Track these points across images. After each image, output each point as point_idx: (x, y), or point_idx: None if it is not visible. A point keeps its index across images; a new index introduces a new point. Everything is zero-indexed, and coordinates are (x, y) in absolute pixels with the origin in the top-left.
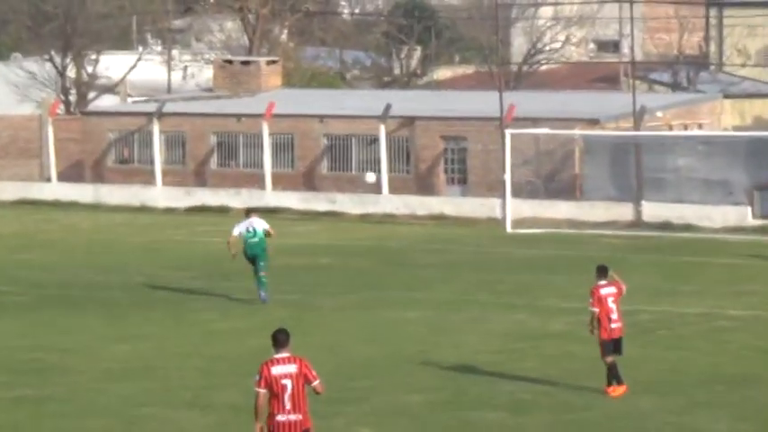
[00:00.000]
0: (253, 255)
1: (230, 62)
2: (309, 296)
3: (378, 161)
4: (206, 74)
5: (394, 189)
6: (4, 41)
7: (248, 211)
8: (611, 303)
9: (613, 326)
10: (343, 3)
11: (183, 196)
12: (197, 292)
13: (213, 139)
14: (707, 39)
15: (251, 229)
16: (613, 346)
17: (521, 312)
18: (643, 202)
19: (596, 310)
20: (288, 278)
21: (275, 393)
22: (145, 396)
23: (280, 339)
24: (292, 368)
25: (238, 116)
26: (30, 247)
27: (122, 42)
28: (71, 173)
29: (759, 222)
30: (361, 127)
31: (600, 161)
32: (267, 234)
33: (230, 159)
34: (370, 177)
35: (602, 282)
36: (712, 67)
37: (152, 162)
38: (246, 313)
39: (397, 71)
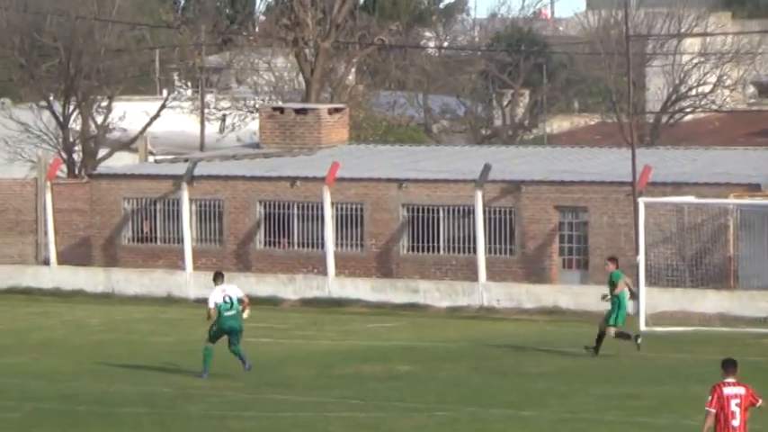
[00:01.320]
0: (230, 328)
1: (281, 110)
2: (386, 413)
3: (472, 238)
4: (250, 125)
5: (494, 275)
6: None
7: (217, 276)
8: (734, 407)
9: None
10: (428, 34)
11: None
12: (240, 407)
13: (259, 210)
14: None
15: (227, 300)
16: None
17: None
18: None
19: (713, 410)
20: (357, 390)
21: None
22: None
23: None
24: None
25: (292, 180)
26: (22, 349)
27: (142, 85)
28: (76, 253)
29: None
30: (452, 195)
31: (761, 239)
32: (241, 303)
33: (281, 236)
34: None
35: (729, 380)
36: None
37: (180, 240)
38: None
39: (498, 122)
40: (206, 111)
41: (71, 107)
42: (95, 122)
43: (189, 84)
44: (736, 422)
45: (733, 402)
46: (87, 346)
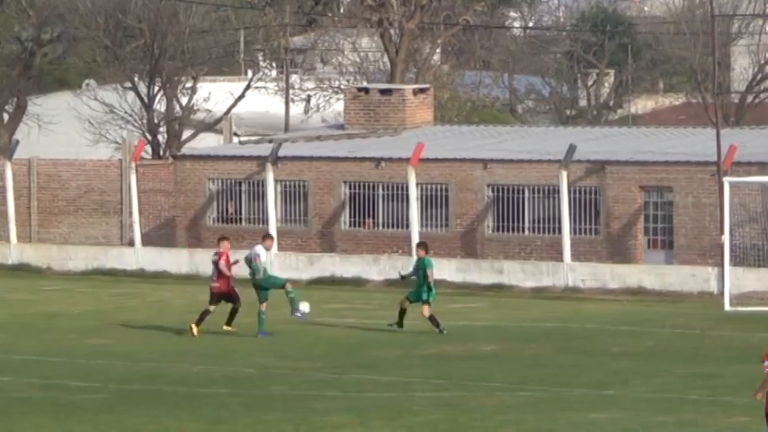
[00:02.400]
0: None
1: (366, 91)
2: (469, 393)
3: (557, 218)
4: (335, 106)
5: (578, 255)
6: (75, 65)
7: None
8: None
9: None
10: (513, 14)
11: (305, 264)
12: (323, 387)
13: (344, 191)
14: None
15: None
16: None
17: (744, 414)
18: None
19: None
20: (440, 370)
21: None
22: None
23: None
24: None
25: (377, 161)
26: (107, 331)
27: (226, 66)
28: (160, 234)
29: None
30: (537, 175)
31: None
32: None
33: (366, 217)
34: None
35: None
36: None
37: (265, 221)
38: (388, 415)
39: (583, 102)
40: (291, 91)
41: (155, 88)
42: (180, 104)
43: (274, 64)
44: None
45: None
46: (172, 328)
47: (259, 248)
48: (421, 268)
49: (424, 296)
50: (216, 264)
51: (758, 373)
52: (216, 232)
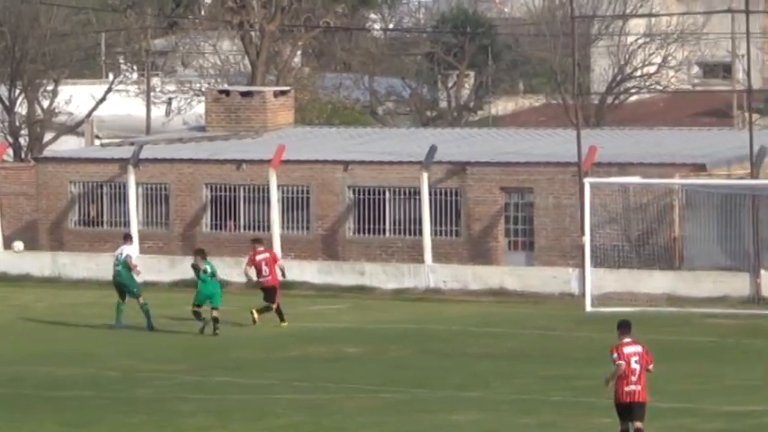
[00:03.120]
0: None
1: (227, 93)
2: (331, 395)
3: (419, 220)
4: (196, 109)
5: (440, 256)
6: None
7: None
8: (634, 364)
9: (629, 388)
10: (373, 16)
11: (166, 268)
12: (187, 390)
13: (206, 194)
14: None
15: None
16: (630, 410)
17: (605, 416)
18: (763, 272)
19: (623, 363)
20: (303, 372)
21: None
22: None
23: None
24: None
25: (238, 163)
26: None
27: (88, 69)
28: (22, 237)
29: None
30: (398, 176)
31: (706, 219)
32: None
33: (227, 219)
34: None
35: (627, 340)
36: None
37: (127, 223)
38: (251, 417)
39: (443, 104)
40: (152, 94)
41: (17, 91)
42: (41, 106)
43: (135, 67)
44: (635, 377)
45: (633, 360)
46: (34, 331)
47: (130, 249)
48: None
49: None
50: (265, 262)
51: None
52: (78, 235)
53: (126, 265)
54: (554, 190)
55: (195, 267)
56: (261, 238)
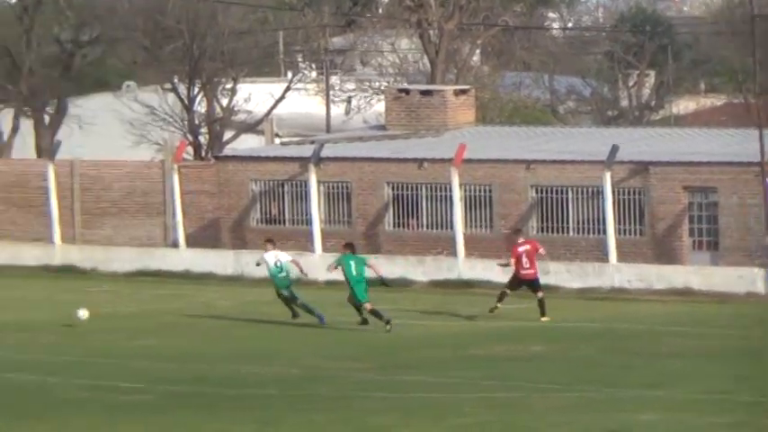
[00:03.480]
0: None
1: (407, 92)
2: (517, 394)
3: (602, 219)
4: (375, 107)
5: (623, 256)
6: (115, 67)
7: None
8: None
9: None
10: (552, 15)
11: None
12: (370, 388)
13: (387, 192)
14: None
15: (278, 264)
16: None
17: None
18: None
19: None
20: (492, 371)
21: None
22: None
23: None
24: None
25: (420, 161)
26: (152, 332)
27: (266, 67)
28: (204, 235)
29: None
30: (580, 176)
31: None
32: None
33: (410, 218)
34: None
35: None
36: None
37: (308, 222)
38: (435, 416)
39: (624, 103)
40: (331, 93)
41: (196, 89)
42: (220, 105)
43: (313, 65)
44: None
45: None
46: (217, 329)
47: (282, 254)
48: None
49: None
50: (526, 254)
51: None
52: (260, 233)
53: (287, 270)
54: (737, 189)
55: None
56: (520, 229)
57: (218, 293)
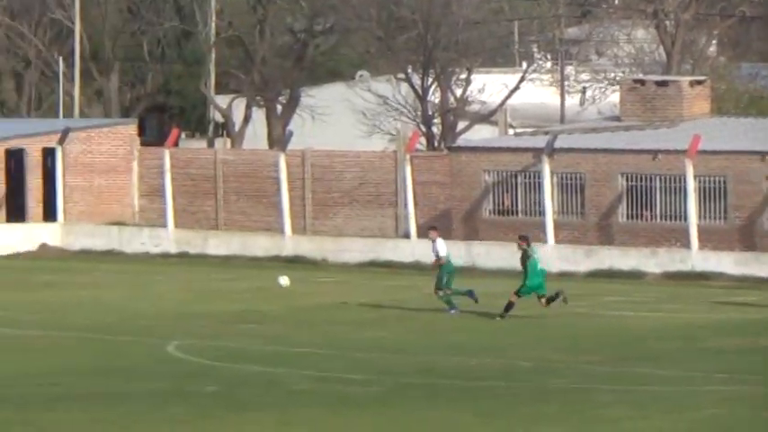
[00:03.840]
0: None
1: (642, 82)
2: (750, 387)
3: None
4: (610, 98)
5: None
6: (348, 57)
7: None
8: None
9: None
10: None
11: (582, 257)
12: (601, 380)
13: (621, 183)
14: None
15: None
16: None
17: None
18: None
19: None
20: (720, 364)
21: None
22: None
23: None
24: None
25: (654, 153)
26: (382, 323)
27: (501, 57)
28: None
29: None
30: None
31: None
32: None
33: (643, 209)
34: None
35: None
36: None
37: (541, 213)
38: (670, 409)
39: None
40: (566, 83)
41: (429, 80)
42: (454, 95)
43: (548, 56)
44: None
45: None
46: (447, 320)
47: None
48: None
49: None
50: None
51: None
52: (492, 224)
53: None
54: None
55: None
56: None
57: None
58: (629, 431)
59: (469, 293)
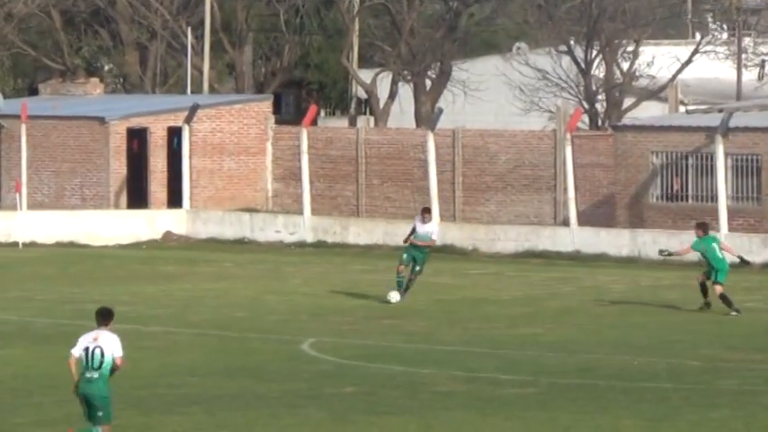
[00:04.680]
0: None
1: None
2: None
3: None
4: None
5: None
6: (504, 27)
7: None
8: None
9: None
10: None
11: (758, 246)
12: None
13: None
14: None
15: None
16: None
17: None
18: None
19: None
20: None
21: None
22: None
23: None
24: None
25: None
26: (539, 319)
27: (672, 28)
28: (598, 213)
29: None
30: None
31: None
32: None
33: None
34: None
35: None
36: None
37: (713, 198)
38: None
39: None
40: (743, 56)
41: (593, 52)
42: (620, 69)
43: (725, 26)
44: None
45: None
46: (609, 315)
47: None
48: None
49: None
50: None
51: None
52: (659, 211)
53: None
54: None
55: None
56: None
57: (612, 276)
58: None
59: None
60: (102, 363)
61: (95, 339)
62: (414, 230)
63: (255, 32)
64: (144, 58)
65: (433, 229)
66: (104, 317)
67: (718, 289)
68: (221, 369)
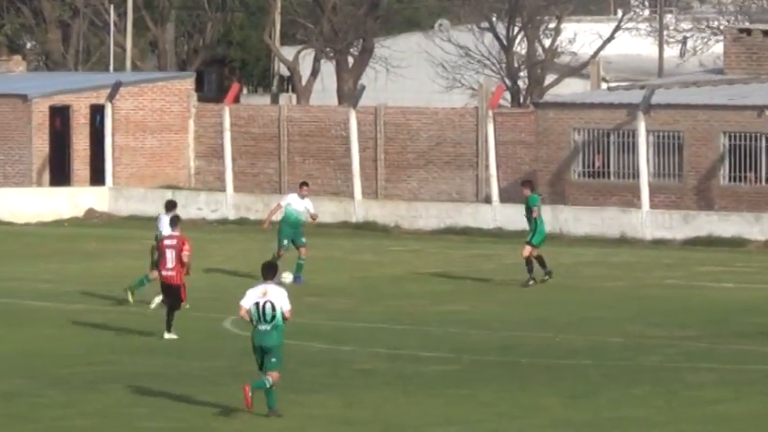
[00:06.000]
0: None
1: (748, 32)
2: None
3: None
4: (713, 49)
5: None
6: (426, 4)
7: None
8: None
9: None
10: None
11: (678, 223)
12: (697, 358)
13: (723, 143)
14: None
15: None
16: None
17: None
18: None
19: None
20: None
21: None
22: None
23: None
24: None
25: (760, 109)
26: (460, 296)
27: (593, 4)
28: (519, 190)
29: None
30: None
31: None
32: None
33: (748, 171)
34: None
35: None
36: None
37: (635, 175)
38: None
39: None
40: (665, 33)
41: (516, 29)
42: (542, 46)
43: (646, 3)
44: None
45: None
46: (531, 293)
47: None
48: (528, 207)
49: (528, 237)
50: None
51: None
52: (581, 188)
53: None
54: None
55: None
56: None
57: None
58: (723, 415)
59: None
60: (274, 316)
61: (264, 294)
62: (280, 207)
63: (178, 10)
64: (66, 35)
65: (310, 204)
66: (270, 271)
67: (528, 250)
68: (143, 347)
